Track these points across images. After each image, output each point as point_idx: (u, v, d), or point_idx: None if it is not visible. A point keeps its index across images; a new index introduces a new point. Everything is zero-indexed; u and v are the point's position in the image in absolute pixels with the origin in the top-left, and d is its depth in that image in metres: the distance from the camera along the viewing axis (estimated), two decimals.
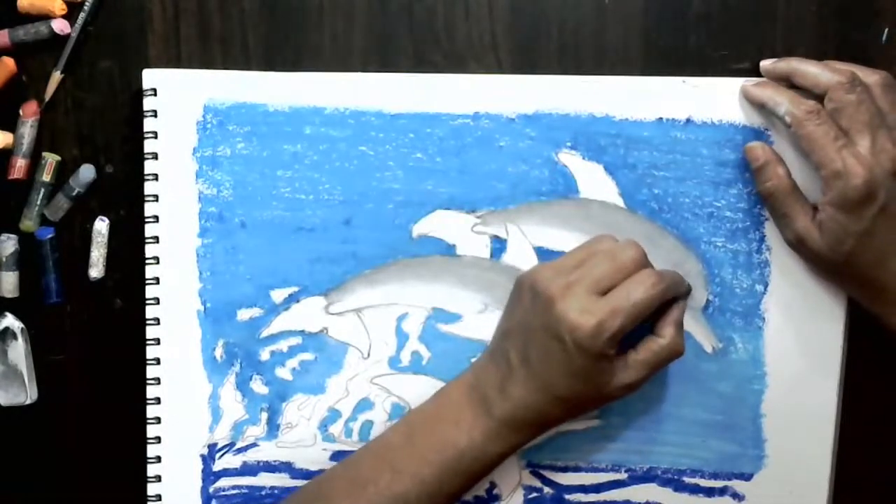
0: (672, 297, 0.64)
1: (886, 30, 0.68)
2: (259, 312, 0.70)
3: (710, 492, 0.70)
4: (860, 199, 0.61)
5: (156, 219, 0.69)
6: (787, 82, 0.66)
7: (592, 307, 0.61)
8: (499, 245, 0.69)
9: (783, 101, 0.64)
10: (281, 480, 0.71)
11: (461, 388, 0.65)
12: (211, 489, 0.71)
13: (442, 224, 0.69)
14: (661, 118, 0.68)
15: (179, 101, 0.69)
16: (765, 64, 0.67)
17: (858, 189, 0.61)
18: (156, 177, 0.69)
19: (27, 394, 0.71)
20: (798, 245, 0.66)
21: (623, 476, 0.70)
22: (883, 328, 0.65)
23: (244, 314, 0.70)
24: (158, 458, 0.70)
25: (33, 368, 0.71)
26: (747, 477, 0.70)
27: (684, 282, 0.66)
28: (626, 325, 0.61)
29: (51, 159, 0.70)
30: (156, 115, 0.69)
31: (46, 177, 0.70)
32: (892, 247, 0.62)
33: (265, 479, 0.71)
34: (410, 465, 0.64)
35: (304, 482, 0.70)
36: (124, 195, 0.71)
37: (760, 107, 0.66)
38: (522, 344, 0.63)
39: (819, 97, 0.64)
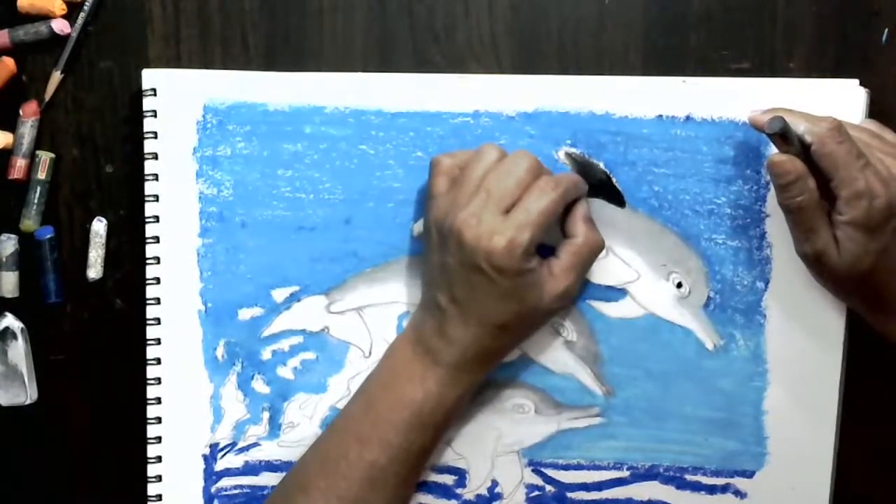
0: (574, 197, 0.65)
1: (886, 30, 0.69)
2: (260, 312, 0.70)
3: (712, 489, 0.70)
4: (883, 219, 0.61)
5: (156, 219, 0.69)
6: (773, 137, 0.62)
7: (500, 227, 0.61)
8: None
9: (800, 121, 0.61)
10: None
11: (405, 346, 0.66)
12: (213, 489, 0.71)
13: None
14: (660, 115, 0.68)
15: (179, 101, 0.69)
16: (752, 116, 0.63)
17: (881, 210, 0.60)
18: (156, 177, 0.69)
19: (27, 394, 0.71)
20: (814, 260, 0.63)
21: (625, 474, 0.70)
22: (886, 340, 0.65)
23: (245, 314, 0.70)
24: (159, 458, 0.70)
25: (33, 368, 0.71)
26: (749, 474, 0.70)
27: (581, 181, 0.66)
28: (536, 235, 0.62)
29: (45, 157, 0.70)
30: (156, 115, 0.69)
31: (42, 174, 0.70)
32: None
33: (267, 479, 0.71)
34: (375, 432, 0.64)
35: None
36: (124, 195, 0.71)
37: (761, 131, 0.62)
38: (447, 285, 0.63)
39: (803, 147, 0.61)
